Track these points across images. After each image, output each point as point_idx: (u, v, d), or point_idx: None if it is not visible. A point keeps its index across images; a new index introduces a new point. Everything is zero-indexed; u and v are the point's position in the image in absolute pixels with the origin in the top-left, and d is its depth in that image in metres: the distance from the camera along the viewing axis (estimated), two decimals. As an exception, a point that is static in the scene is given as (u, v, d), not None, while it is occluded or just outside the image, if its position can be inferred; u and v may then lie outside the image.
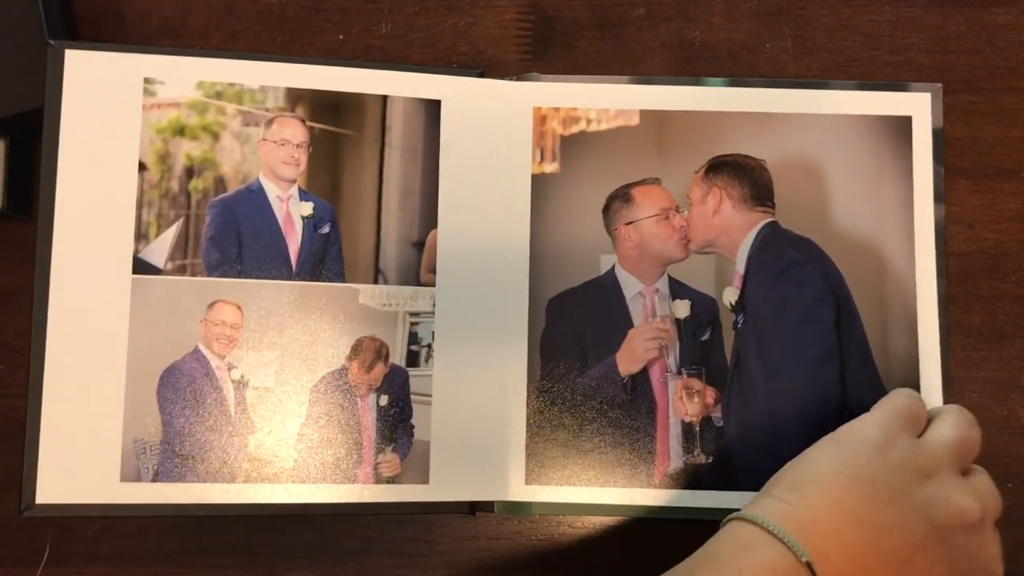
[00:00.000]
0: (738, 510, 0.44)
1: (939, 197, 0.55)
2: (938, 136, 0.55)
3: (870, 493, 0.42)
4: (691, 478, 0.53)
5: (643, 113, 0.55)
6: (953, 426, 0.46)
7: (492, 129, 0.54)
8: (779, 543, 0.41)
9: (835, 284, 0.53)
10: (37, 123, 0.52)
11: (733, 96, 0.55)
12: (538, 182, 0.55)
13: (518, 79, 0.55)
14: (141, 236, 0.52)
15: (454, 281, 0.53)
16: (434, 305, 0.53)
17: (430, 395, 0.53)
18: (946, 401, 0.53)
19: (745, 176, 0.54)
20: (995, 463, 0.54)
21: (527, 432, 0.53)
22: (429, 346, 0.53)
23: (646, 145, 0.55)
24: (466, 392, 0.53)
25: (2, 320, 0.55)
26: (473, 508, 0.52)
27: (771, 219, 0.54)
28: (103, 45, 0.53)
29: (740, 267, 0.54)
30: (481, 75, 0.55)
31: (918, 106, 0.55)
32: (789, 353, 0.53)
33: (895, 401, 0.47)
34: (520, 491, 0.52)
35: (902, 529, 0.42)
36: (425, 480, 0.52)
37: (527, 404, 0.53)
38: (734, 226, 0.54)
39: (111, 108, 0.52)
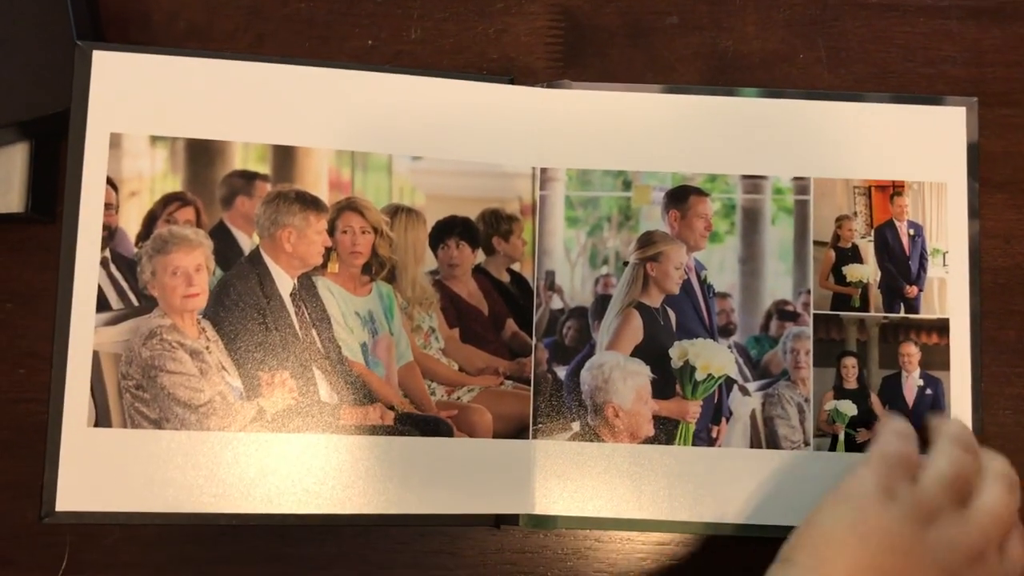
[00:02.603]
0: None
1: (974, 212, 0.54)
2: (973, 150, 0.54)
3: (884, 547, 0.42)
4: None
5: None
6: (947, 460, 0.46)
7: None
8: None
9: None
10: (62, 125, 0.51)
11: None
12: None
13: (548, 86, 0.55)
14: (166, 240, 0.52)
15: None
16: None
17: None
18: (975, 421, 0.52)
19: None
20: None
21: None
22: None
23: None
24: None
25: (24, 324, 0.54)
26: (498, 521, 0.51)
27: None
28: (131, 47, 0.52)
29: None
30: (511, 82, 0.55)
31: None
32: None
33: (885, 450, 0.47)
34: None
35: None
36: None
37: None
38: None
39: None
